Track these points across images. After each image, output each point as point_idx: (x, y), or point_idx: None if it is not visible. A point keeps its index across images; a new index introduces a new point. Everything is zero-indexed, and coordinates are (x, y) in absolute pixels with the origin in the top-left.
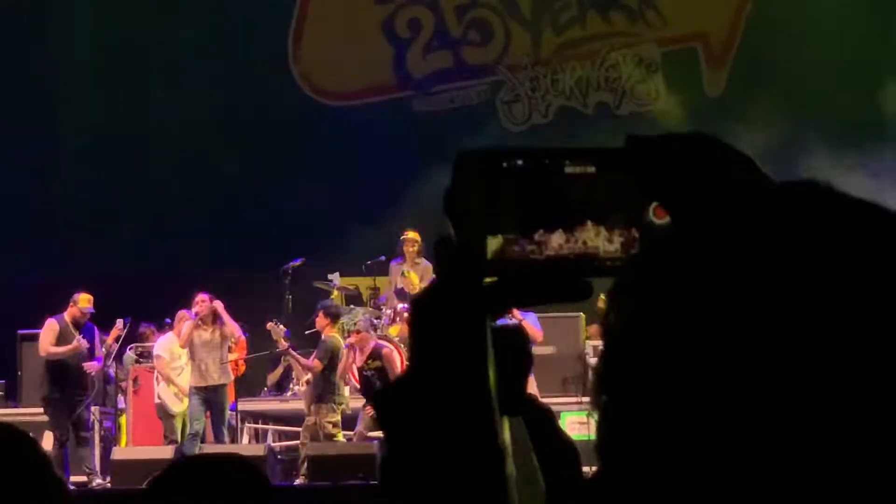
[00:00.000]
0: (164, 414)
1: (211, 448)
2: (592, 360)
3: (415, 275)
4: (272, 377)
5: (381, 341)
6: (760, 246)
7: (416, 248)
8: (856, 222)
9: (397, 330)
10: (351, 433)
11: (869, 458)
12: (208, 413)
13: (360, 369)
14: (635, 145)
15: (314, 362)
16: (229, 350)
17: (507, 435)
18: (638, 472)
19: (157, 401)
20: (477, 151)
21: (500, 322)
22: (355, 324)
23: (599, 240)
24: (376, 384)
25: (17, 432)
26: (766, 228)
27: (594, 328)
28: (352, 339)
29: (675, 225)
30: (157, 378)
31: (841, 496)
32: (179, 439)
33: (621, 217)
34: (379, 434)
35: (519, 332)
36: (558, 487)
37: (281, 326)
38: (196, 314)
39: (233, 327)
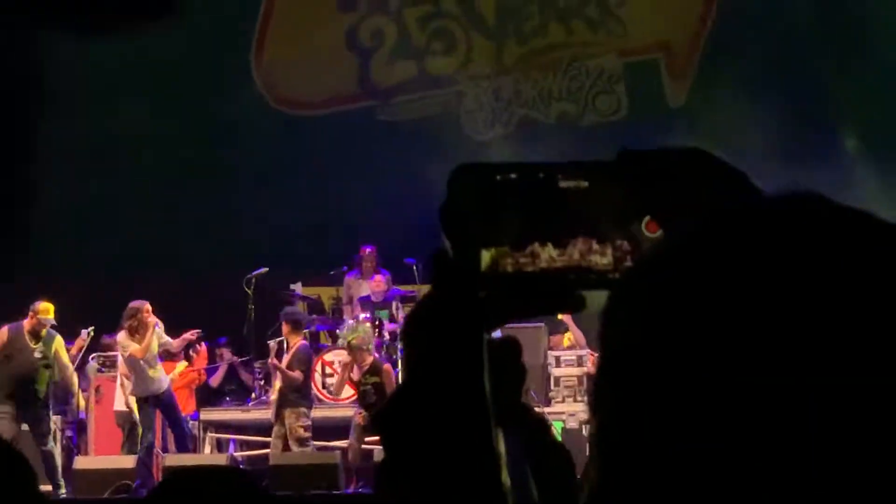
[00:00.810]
0: (127, 421)
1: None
2: (554, 371)
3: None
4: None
5: (379, 356)
6: (754, 257)
7: (372, 264)
8: (850, 231)
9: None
10: (325, 443)
11: (867, 475)
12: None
13: (357, 383)
14: (628, 159)
15: (296, 373)
16: (188, 359)
17: (501, 446)
18: (635, 485)
19: (120, 408)
20: (471, 165)
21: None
22: (354, 338)
23: (592, 253)
24: (372, 398)
25: (5, 447)
26: (760, 239)
27: (557, 338)
28: (350, 356)
29: (668, 238)
30: (120, 383)
31: None
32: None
33: (614, 230)
34: (372, 443)
35: (514, 344)
36: (552, 497)
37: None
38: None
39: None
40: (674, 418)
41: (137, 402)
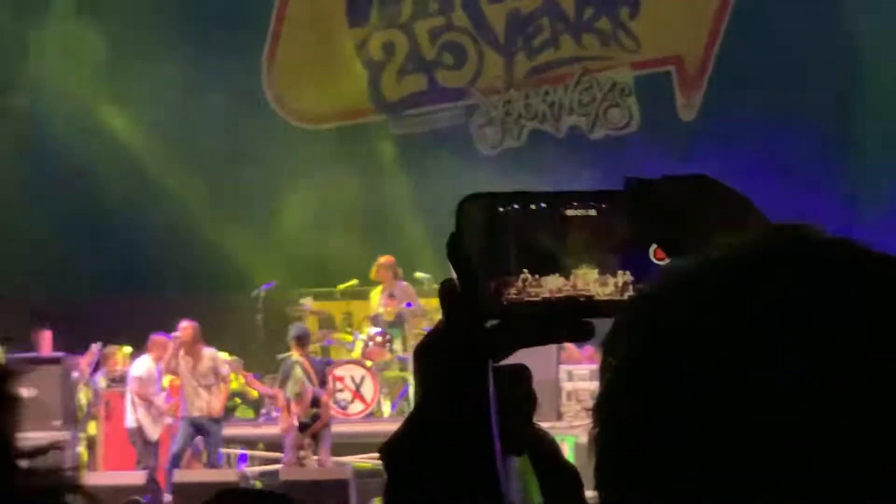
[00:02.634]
0: (141, 439)
1: (185, 474)
2: (567, 385)
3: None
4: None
5: (318, 389)
6: (759, 288)
7: (391, 273)
8: (846, 263)
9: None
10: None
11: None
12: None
13: (301, 423)
14: (635, 188)
15: (275, 391)
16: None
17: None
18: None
19: (132, 425)
20: (478, 196)
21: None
22: (296, 389)
23: (594, 283)
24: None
25: None
26: (762, 271)
27: (567, 353)
28: (297, 404)
29: (675, 269)
30: (132, 402)
31: None
32: (155, 464)
33: (617, 260)
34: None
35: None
36: None
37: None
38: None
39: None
40: (678, 441)
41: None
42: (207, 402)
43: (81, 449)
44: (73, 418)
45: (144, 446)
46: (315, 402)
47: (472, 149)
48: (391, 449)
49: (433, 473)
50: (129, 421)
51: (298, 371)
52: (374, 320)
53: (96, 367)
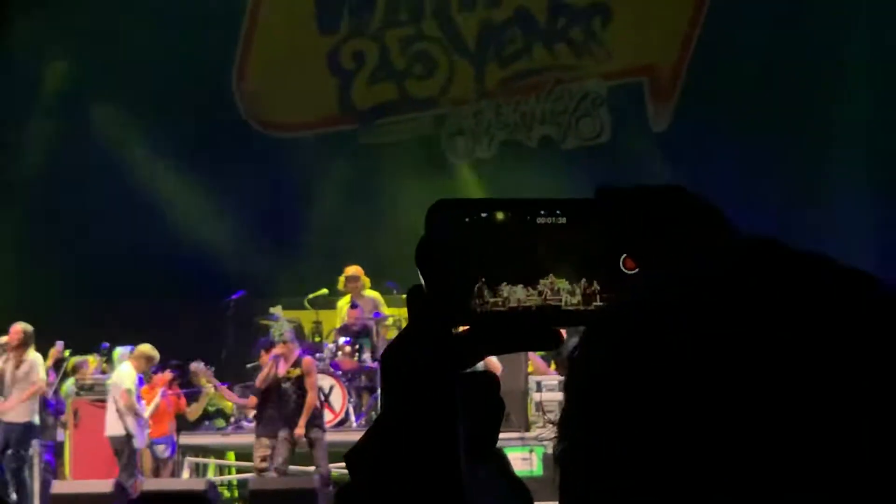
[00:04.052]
0: (129, 448)
1: (154, 482)
2: (536, 395)
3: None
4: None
5: (305, 351)
6: (727, 306)
7: (359, 284)
8: (808, 278)
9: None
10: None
11: None
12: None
13: (279, 380)
14: (606, 197)
15: (246, 401)
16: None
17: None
18: None
19: (118, 434)
20: (447, 202)
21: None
22: (282, 334)
23: (563, 292)
24: (292, 397)
25: None
26: (732, 288)
27: (533, 364)
28: (278, 350)
29: (645, 280)
30: (118, 411)
31: None
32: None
33: (586, 270)
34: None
35: (491, 379)
36: None
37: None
38: None
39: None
40: (649, 461)
41: None
42: (12, 407)
43: None
44: (42, 426)
45: (131, 455)
46: (297, 363)
47: (442, 158)
48: (356, 456)
49: (396, 481)
50: (115, 429)
51: (285, 325)
52: (343, 330)
53: (58, 365)
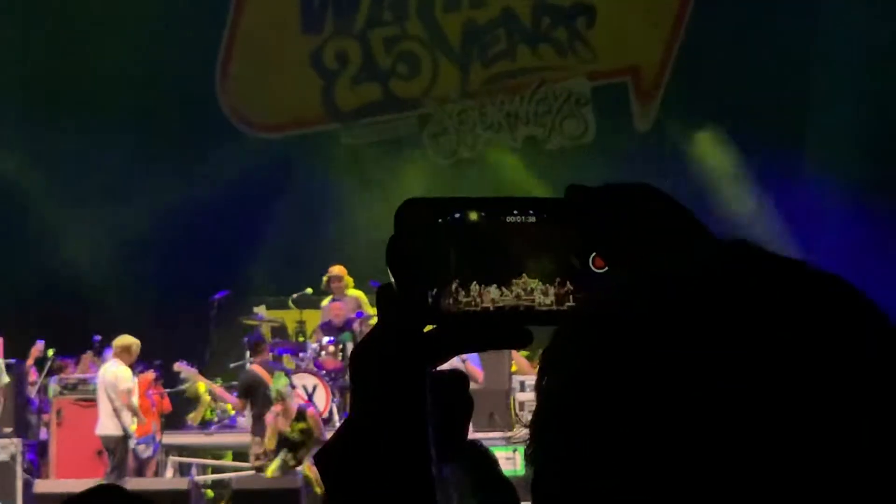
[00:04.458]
0: (123, 446)
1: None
2: (520, 395)
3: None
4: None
5: (303, 402)
6: (697, 308)
7: (343, 284)
8: (782, 281)
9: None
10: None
11: None
12: None
13: (285, 434)
14: (576, 195)
15: (237, 401)
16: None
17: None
18: None
19: (113, 433)
20: (419, 201)
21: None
22: (279, 391)
23: (535, 292)
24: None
25: None
26: (701, 290)
27: (521, 363)
28: (277, 408)
29: (616, 280)
30: (115, 410)
31: None
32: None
33: (558, 269)
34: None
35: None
36: None
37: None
38: None
39: None
40: (620, 452)
41: None
42: None
43: None
44: (24, 426)
45: (124, 455)
46: (300, 417)
47: (426, 159)
48: (326, 455)
49: (366, 480)
50: (108, 428)
51: (283, 379)
52: (325, 328)
53: (41, 364)
